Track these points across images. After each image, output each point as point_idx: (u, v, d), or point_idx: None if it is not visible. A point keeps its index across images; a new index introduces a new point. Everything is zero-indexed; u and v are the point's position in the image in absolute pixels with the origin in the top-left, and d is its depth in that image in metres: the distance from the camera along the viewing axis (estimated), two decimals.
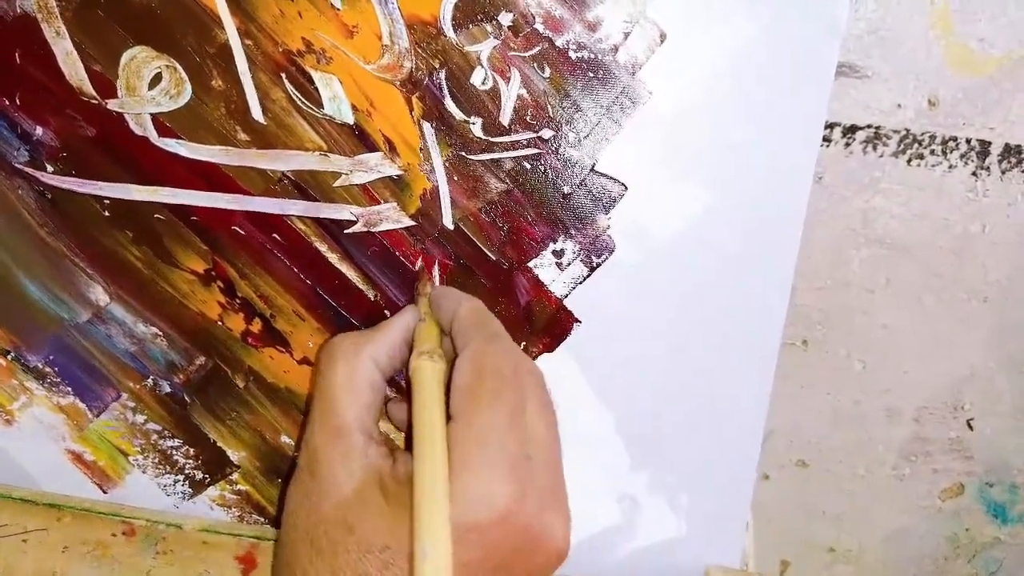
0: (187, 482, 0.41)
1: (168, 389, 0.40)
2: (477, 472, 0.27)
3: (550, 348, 0.40)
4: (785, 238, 0.39)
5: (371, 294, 0.39)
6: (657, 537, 0.42)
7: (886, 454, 0.50)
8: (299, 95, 0.36)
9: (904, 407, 0.49)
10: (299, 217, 0.38)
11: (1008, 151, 0.43)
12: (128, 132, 0.36)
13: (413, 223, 0.38)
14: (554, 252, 0.38)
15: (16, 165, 0.37)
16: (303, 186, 0.37)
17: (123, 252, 0.38)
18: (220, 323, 0.39)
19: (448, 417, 0.29)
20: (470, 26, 0.35)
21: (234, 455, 0.41)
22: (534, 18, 0.35)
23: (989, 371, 0.48)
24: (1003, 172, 0.43)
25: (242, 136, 0.36)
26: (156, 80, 0.36)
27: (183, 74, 0.36)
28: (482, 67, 0.36)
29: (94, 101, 0.36)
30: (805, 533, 0.52)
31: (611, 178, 0.38)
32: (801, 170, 0.38)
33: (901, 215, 0.44)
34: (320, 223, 0.38)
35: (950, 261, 0.45)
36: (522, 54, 0.36)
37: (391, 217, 0.38)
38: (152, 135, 0.37)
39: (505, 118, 0.37)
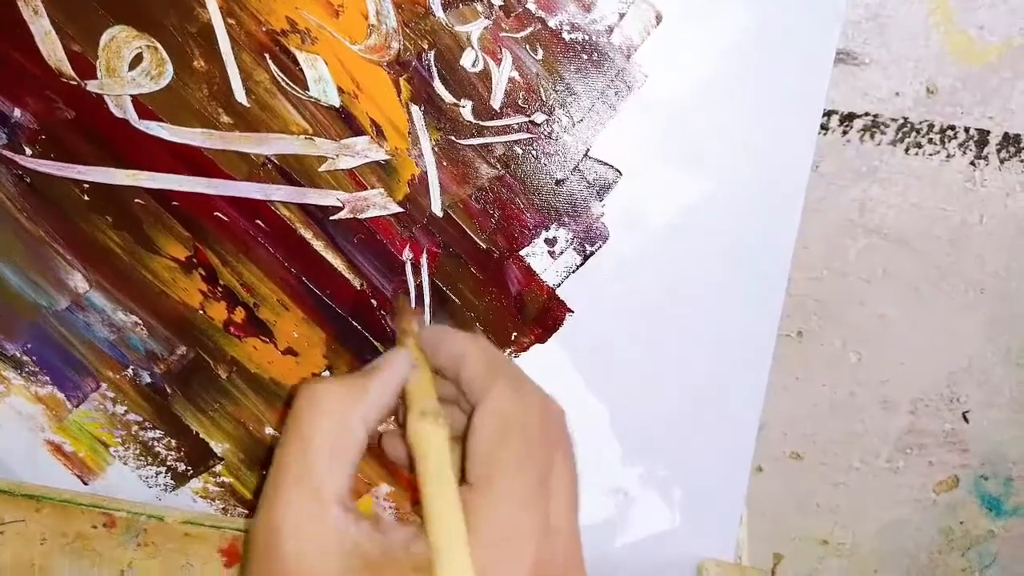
0: (169, 474, 0.40)
1: (149, 379, 0.39)
2: (501, 552, 0.25)
3: (542, 339, 0.39)
4: (782, 227, 0.38)
5: (357, 283, 0.38)
6: (650, 530, 0.42)
7: (881, 446, 0.49)
8: (283, 76, 0.35)
9: (900, 399, 0.48)
10: (283, 203, 0.37)
11: (1007, 140, 0.43)
12: (108, 114, 0.35)
13: (401, 210, 0.37)
14: (546, 240, 0.38)
15: None
16: (287, 171, 0.36)
17: (103, 238, 0.37)
18: (202, 312, 0.38)
19: (463, 477, 0.26)
20: (460, 5, 0.34)
21: (217, 447, 0.40)
22: None
23: (986, 363, 0.47)
24: (1001, 162, 0.43)
25: (225, 119, 0.36)
26: (137, 61, 0.35)
27: (164, 54, 0.35)
28: (472, 48, 0.35)
29: (73, 82, 0.35)
30: (799, 526, 0.52)
31: (605, 164, 0.37)
32: (799, 158, 0.37)
33: (899, 205, 0.44)
34: (305, 209, 0.37)
35: (947, 251, 0.45)
36: (514, 35, 0.35)
37: (378, 203, 0.37)
38: (132, 117, 0.36)
39: (496, 101, 0.36)
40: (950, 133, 0.42)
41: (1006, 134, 0.42)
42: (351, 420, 0.27)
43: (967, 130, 0.42)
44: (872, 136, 0.42)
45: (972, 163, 0.43)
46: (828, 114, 0.42)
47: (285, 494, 0.26)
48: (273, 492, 0.26)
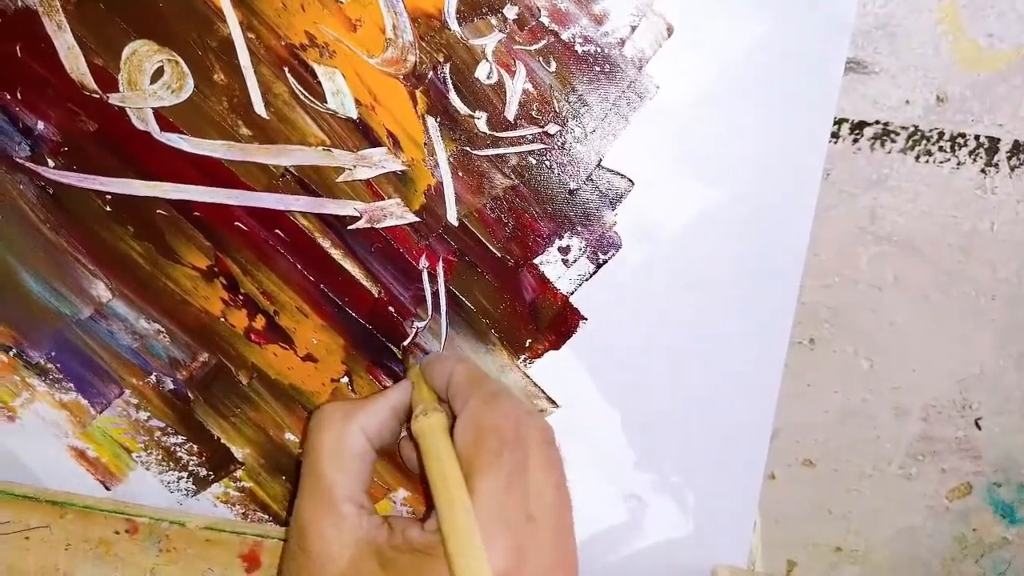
0: (191, 479, 0.41)
1: (171, 386, 0.40)
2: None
3: (556, 346, 0.39)
4: (793, 235, 0.38)
5: (374, 291, 0.39)
6: (663, 536, 0.42)
7: (894, 453, 0.49)
8: (302, 89, 0.36)
9: (912, 406, 0.48)
10: (302, 213, 0.37)
11: (1017, 148, 0.43)
12: (130, 126, 0.36)
13: (417, 219, 0.38)
14: (560, 249, 0.38)
15: (17, 160, 0.37)
16: (306, 181, 0.37)
17: (125, 248, 0.38)
18: (223, 319, 0.39)
19: None
20: (475, 19, 0.35)
21: (238, 452, 0.41)
22: (540, 11, 0.35)
23: (998, 370, 0.47)
24: (1012, 169, 0.43)
25: (244, 131, 0.36)
26: (158, 74, 0.36)
27: (185, 68, 0.35)
28: (487, 61, 0.36)
29: (96, 95, 0.36)
30: (812, 532, 0.52)
31: (618, 174, 0.37)
32: (810, 167, 0.37)
33: (909, 212, 0.44)
34: (323, 219, 0.37)
35: (958, 259, 0.45)
36: (527, 48, 0.35)
37: (395, 213, 0.37)
38: (154, 129, 0.36)
39: (510, 113, 0.36)
40: (960, 141, 0.42)
41: (1016, 142, 0.42)
42: (349, 429, 0.32)
43: (977, 138, 0.42)
44: (882, 144, 0.42)
45: (983, 170, 0.43)
46: (838, 123, 0.42)
47: (304, 502, 0.31)
48: (297, 502, 0.31)
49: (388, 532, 0.30)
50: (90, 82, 0.36)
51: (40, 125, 0.37)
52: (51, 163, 0.37)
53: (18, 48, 0.35)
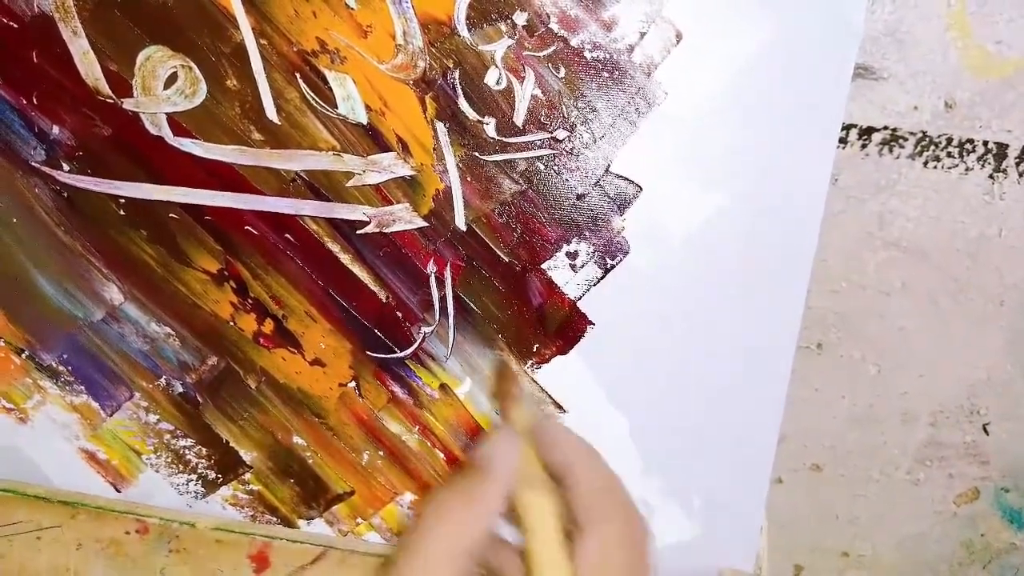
0: (200, 481, 0.41)
1: (181, 389, 0.40)
2: None
3: (563, 350, 0.39)
4: (801, 240, 0.38)
5: (382, 295, 0.39)
6: (670, 540, 0.42)
7: (901, 458, 0.49)
8: (313, 95, 0.36)
9: (919, 411, 0.48)
10: (312, 217, 0.38)
11: None
12: (143, 131, 0.37)
13: (425, 224, 0.38)
14: (568, 254, 0.38)
15: (33, 164, 0.37)
16: (316, 186, 0.37)
17: (137, 251, 0.38)
18: (232, 323, 0.39)
19: None
20: (484, 26, 0.35)
21: (246, 455, 0.41)
22: (549, 17, 0.35)
23: (1006, 375, 0.47)
24: (1020, 175, 0.43)
25: (256, 136, 0.37)
26: (171, 80, 0.36)
27: (198, 74, 0.36)
28: (496, 67, 0.36)
29: (110, 100, 0.36)
30: (819, 537, 0.52)
31: (626, 179, 0.37)
32: (818, 172, 0.38)
33: (917, 218, 0.44)
34: (333, 223, 0.38)
35: (966, 264, 0.45)
36: (537, 54, 0.36)
37: (403, 218, 0.38)
38: (167, 134, 0.37)
39: (519, 118, 0.36)
40: (968, 147, 0.42)
41: None
42: (470, 531, 0.28)
43: (985, 143, 0.42)
44: (891, 150, 0.42)
45: (991, 176, 0.43)
46: (847, 128, 0.42)
47: None
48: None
49: None
50: (105, 87, 0.36)
51: (55, 130, 0.37)
52: (66, 167, 0.37)
53: (34, 54, 0.36)
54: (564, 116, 0.37)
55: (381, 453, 0.41)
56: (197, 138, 0.37)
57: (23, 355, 0.40)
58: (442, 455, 0.41)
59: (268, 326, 0.39)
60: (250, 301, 0.39)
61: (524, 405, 0.32)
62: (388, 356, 0.40)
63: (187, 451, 0.41)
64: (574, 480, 0.30)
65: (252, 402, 0.40)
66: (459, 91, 0.36)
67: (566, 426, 0.32)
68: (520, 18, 0.35)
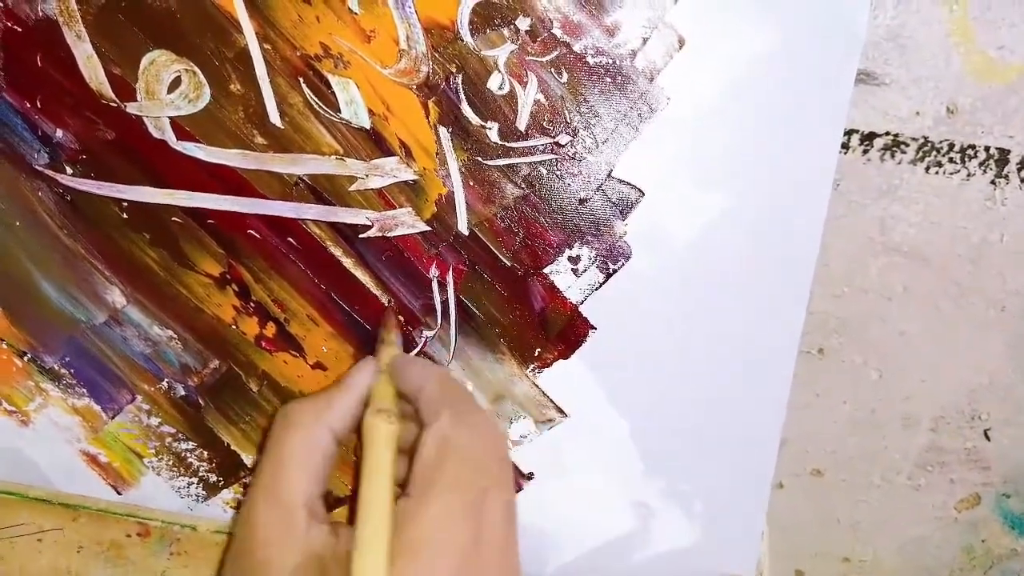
0: (201, 485, 0.41)
1: (182, 392, 0.40)
2: (422, 558, 0.27)
3: (565, 355, 0.40)
4: (803, 245, 0.38)
5: (384, 299, 0.39)
6: (671, 545, 0.42)
7: (902, 463, 0.49)
8: (316, 99, 0.36)
9: (921, 416, 0.48)
10: (314, 221, 0.38)
11: None
12: (147, 135, 0.37)
13: (428, 228, 0.38)
14: (570, 258, 0.38)
15: (36, 167, 0.37)
16: (319, 190, 0.37)
17: (140, 254, 0.39)
18: (234, 327, 0.39)
19: (404, 487, 0.29)
20: (487, 31, 0.35)
21: (248, 458, 0.41)
22: (552, 23, 0.35)
23: (1007, 380, 0.47)
24: (1022, 181, 0.43)
25: (259, 140, 0.37)
26: (175, 84, 0.36)
27: (202, 78, 0.36)
28: (499, 72, 0.36)
29: (114, 104, 0.36)
30: (820, 542, 0.52)
31: (628, 184, 0.38)
32: (820, 177, 0.38)
33: (919, 223, 0.44)
34: (335, 227, 0.38)
35: (968, 269, 0.45)
36: (539, 59, 0.36)
37: (406, 222, 0.38)
38: (170, 138, 0.37)
39: (522, 123, 0.37)
40: (970, 152, 0.43)
41: None
42: (317, 431, 0.31)
43: (987, 149, 0.42)
44: (893, 155, 0.43)
45: (992, 182, 0.43)
46: (849, 133, 0.42)
47: (259, 503, 0.30)
48: (250, 499, 0.30)
49: (334, 542, 0.29)
50: (108, 91, 0.36)
51: (59, 133, 0.37)
52: (69, 170, 0.38)
53: (38, 58, 0.36)
54: (567, 121, 0.37)
55: None
56: (200, 142, 0.37)
57: (25, 358, 0.40)
58: None
59: (270, 329, 0.39)
60: (252, 304, 0.39)
61: (393, 350, 0.35)
62: None
63: (189, 454, 0.41)
64: (420, 394, 0.32)
65: (254, 405, 0.40)
66: (462, 96, 0.36)
67: (424, 360, 0.34)
68: (523, 23, 0.35)
